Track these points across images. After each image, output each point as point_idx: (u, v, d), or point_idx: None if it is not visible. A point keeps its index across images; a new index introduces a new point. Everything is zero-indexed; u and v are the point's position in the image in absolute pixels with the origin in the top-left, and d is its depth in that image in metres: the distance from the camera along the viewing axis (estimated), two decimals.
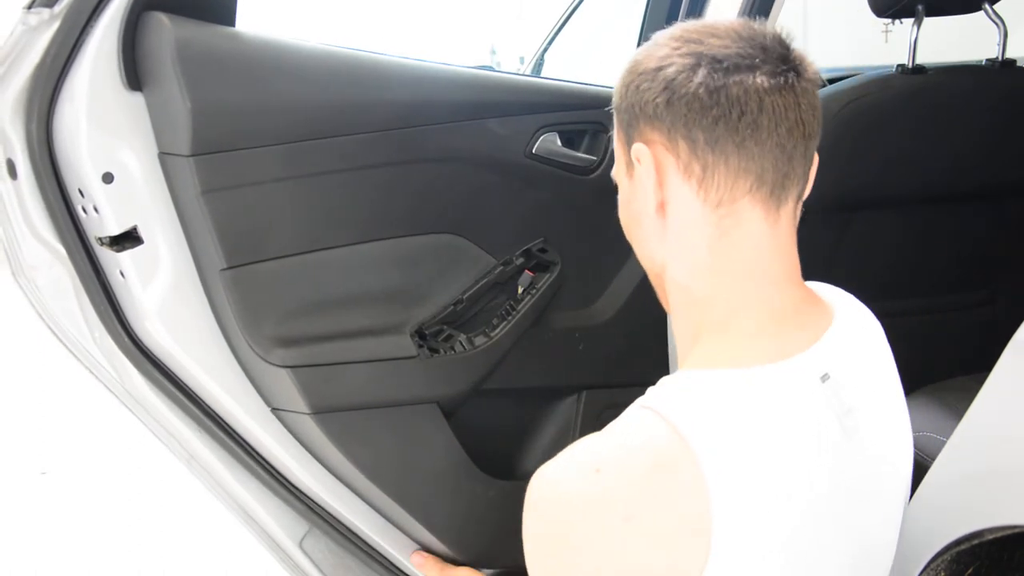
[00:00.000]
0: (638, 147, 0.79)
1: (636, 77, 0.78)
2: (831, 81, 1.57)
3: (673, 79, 0.75)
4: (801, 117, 0.76)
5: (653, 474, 0.69)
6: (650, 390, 0.75)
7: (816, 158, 0.82)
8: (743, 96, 0.74)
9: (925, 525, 0.85)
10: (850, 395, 0.79)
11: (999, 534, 0.76)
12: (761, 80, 0.75)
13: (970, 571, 0.86)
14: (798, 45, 0.79)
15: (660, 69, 0.76)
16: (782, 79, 0.75)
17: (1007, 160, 1.62)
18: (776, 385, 0.75)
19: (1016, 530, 0.74)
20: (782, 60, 0.76)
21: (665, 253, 0.81)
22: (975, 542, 0.78)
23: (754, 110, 0.74)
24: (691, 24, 0.79)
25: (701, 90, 0.74)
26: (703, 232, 0.78)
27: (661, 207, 0.79)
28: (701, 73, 0.74)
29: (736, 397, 0.73)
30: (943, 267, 1.71)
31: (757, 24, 0.78)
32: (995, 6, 1.57)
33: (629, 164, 0.81)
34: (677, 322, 0.83)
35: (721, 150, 0.75)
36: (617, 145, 0.85)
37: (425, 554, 1.33)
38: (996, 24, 1.59)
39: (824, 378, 0.77)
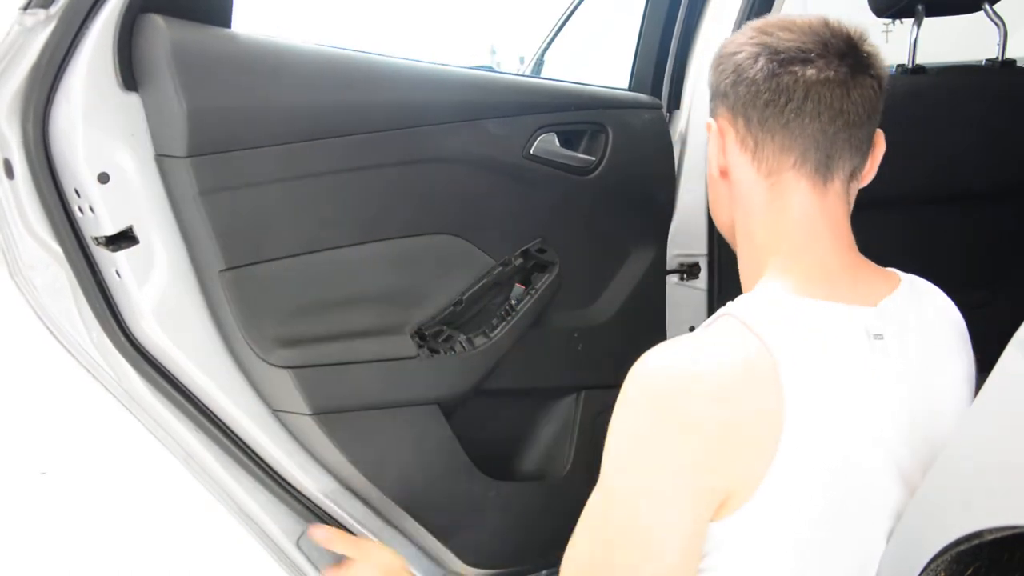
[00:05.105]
0: (709, 120, 0.95)
1: (718, 59, 0.93)
2: None
3: (740, 64, 0.89)
4: (845, 107, 0.87)
5: (743, 371, 0.81)
6: (732, 304, 0.87)
7: (880, 145, 0.94)
8: (792, 85, 0.87)
9: (925, 525, 0.85)
10: (898, 355, 0.88)
11: (999, 534, 0.75)
12: (812, 72, 0.86)
13: (970, 571, 0.86)
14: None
15: (734, 55, 0.90)
16: (832, 72, 0.86)
17: (1006, 160, 1.62)
18: (830, 317, 0.86)
19: (1016, 530, 0.74)
20: (840, 55, 0.87)
21: (733, 209, 0.96)
22: (975, 542, 0.78)
23: (800, 98, 0.87)
24: (774, 18, 0.92)
25: (759, 76, 0.88)
26: (759, 195, 0.92)
27: (724, 172, 0.94)
28: (761, 61, 0.88)
29: (802, 320, 0.85)
30: (943, 267, 1.70)
31: (835, 22, 0.89)
32: (995, 6, 1.57)
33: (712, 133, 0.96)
34: (743, 262, 0.97)
35: (768, 129, 0.89)
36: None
37: (330, 528, 1.22)
38: (996, 24, 1.59)
39: (876, 336, 0.87)
